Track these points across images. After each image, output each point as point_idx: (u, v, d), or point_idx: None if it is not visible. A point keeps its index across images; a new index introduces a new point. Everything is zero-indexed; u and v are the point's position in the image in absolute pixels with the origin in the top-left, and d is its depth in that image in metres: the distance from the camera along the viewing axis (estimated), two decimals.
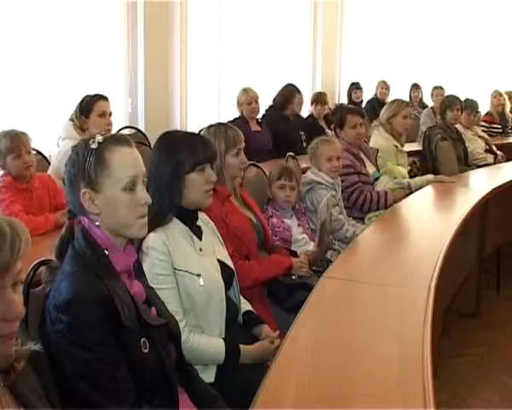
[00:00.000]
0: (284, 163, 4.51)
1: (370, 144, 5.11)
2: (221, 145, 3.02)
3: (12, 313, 1.36)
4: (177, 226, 2.43)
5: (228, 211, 3.00)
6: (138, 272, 1.98)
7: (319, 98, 7.19)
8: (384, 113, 5.21)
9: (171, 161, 2.41)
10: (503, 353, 4.24)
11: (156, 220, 2.31)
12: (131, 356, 1.77)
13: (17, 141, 3.50)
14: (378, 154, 4.97)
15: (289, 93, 6.47)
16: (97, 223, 1.82)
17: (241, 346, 2.44)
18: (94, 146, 1.80)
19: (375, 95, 9.09)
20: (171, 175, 2.41)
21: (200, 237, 2.50)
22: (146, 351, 1.80)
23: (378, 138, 5.15)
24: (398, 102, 5.23)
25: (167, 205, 2.39)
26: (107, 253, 1.82)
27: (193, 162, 2.43)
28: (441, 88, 8.65)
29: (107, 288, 1.74)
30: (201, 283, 2.36)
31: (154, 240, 2.31)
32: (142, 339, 1.80)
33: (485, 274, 5.10)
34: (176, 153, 2.42)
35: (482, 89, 9.02)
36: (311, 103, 7.26)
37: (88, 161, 1.79)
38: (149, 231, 2.21)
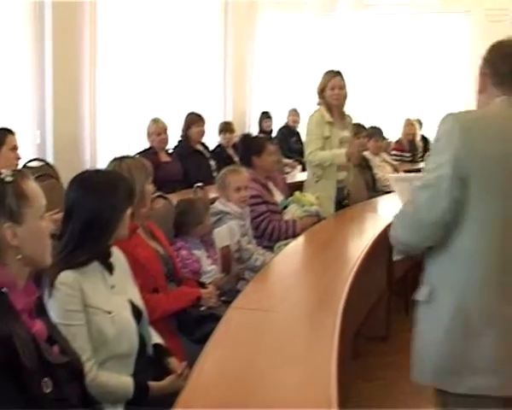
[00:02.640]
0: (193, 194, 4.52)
1: None
2: (142, 174, 3.03)
3: None
4: (90, 264, 2.41)
5: (136, 243, 2.99)
6: (40, 310, 1.93)
7: (226, 127, 7.33)
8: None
9: (111, 199, 2.45)
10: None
11: (71, 260, 2.33)
12: (33, 397, 1.71)
13: None
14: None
15: (190, 121, 6.41)
16: (18, 257, 1.79)
17: (150, 383, 2.42)
18: (9, 179, 1.78)
19: (286, 123, 9.19)
20: (112, 213, 2.44)
21: (111, 273, 2.49)
22: (48, 390, 1.74)
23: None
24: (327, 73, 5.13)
25: (92, 246, 2.39)
26: (4, 291, 1.76)
27: (129, 200, 2.52)
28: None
29: (5, 328, 1.68)
30: (112, 320, 2.35)
31: (65, 276, 2.29)
32: (45, 379, 1.75)
33: (395, 297, 5.18)
34: (115, 191, 2.47)
35: (387, 116, 9.31)
36: (219, 132, 7.33)
37: (7, 195, 1.77)
38: (61, 270, 2.26)
